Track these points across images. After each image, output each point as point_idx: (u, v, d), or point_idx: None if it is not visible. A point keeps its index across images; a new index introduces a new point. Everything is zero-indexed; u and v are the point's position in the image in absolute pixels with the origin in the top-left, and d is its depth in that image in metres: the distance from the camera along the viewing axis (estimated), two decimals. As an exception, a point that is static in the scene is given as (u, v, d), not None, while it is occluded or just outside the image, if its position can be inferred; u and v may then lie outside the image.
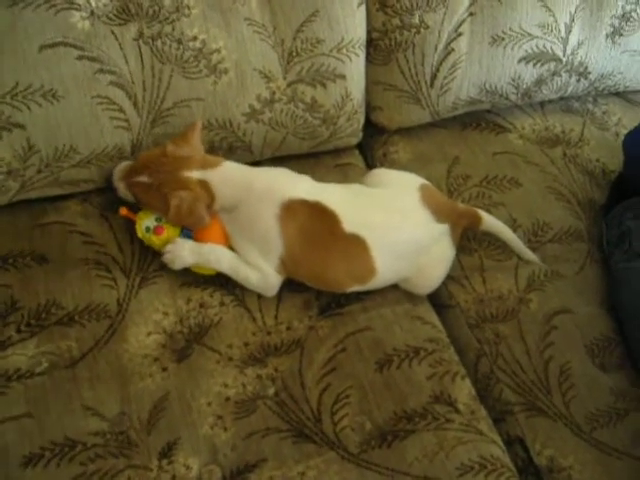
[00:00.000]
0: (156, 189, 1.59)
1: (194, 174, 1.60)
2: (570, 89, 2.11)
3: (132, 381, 1.53)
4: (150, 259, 1.71)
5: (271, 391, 1.55)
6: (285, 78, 1.76)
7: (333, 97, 1.82)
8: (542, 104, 2.18)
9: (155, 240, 1.66)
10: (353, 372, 1.57)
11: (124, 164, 1.70)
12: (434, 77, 1.89)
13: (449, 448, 1.49)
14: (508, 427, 1.60)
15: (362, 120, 1.92)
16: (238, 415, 1.51)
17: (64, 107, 1.63)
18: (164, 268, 1.68)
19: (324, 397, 1.54)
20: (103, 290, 1.64)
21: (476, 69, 1.87)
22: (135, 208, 1.70)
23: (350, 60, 1.80)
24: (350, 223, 1.60)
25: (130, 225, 1.72)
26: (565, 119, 2.18)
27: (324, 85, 1.79)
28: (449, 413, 1.54)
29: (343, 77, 1.80)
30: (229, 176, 1.63)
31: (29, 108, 1.57)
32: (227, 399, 1.53)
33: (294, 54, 1.74)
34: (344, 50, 1.77)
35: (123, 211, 1.70)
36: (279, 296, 1.69)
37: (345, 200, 1.64)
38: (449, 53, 1.86)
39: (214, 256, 1.64)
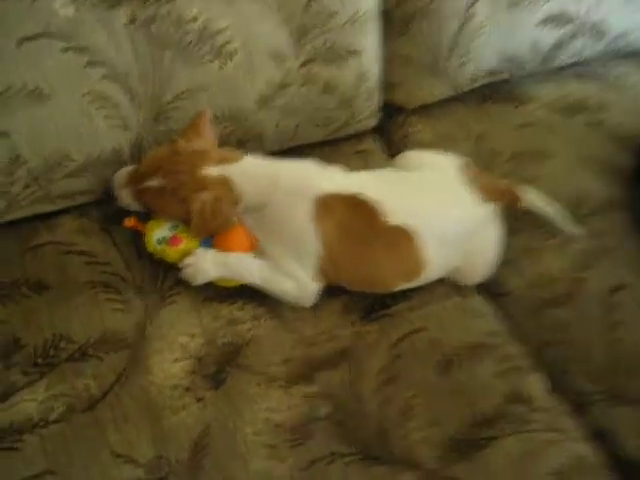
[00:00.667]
0: (172, 193, 1.38)
1: (213, 171, 1.40)
2: (587, 52, 1.97)
3: (164, 417, 1.32)
4: (163, 274, 1.49)
5: (324, 411, 1.36)
6: (297, 57, 1.56)
7: (348, 76, 1.64)
8: (557, 72, 2.03)
9: (171, 252, 1.45)
10: (413, 379, 1.40)
11: (125, 169, 1.48)
12: (453, 47, 1.73)
13: (536, 452, 1.32)
14: (590, 419, 1.43)
15: (380, 99, 1.74)
16: (293, 442, 1.31)
17: (52, 108, 1.41)
18: (181, 283, 1.47)
19: (386, 410, 1.36)
20: (116, 315, 1.43)
21: (496, 36, 1.75)
22: (142, 218, 1.49)
23: (364, 34, 1.62)
24: (394, 214, 1.42)
25: (136, 238, 1.51)
26: (582, 86, 2.03)
27: (338, 63, 1.61)
28: (527, 413, 1.38)
29: (358, 53, 1.62)
30: (253, 171, 1.43)
31: (12, 112, 1.37)
32: (277, 425, 1.33)
33: (305, 30, 1.55)
34: (358, 23, 1.59)
35: (129, 222, 1.48)
36: (316, 303, 1.49)
37: (384, 189, 1.45)
38: (468, 19, 1.70)
39: (242, 267, 1.44)
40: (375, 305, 1.49)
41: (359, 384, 1.39)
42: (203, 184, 1.38)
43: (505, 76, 1.88)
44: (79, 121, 1.44)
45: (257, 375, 1.39)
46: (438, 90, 1.77)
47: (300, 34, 1.55)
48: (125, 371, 1.36)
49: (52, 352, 1.36)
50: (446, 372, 1.40)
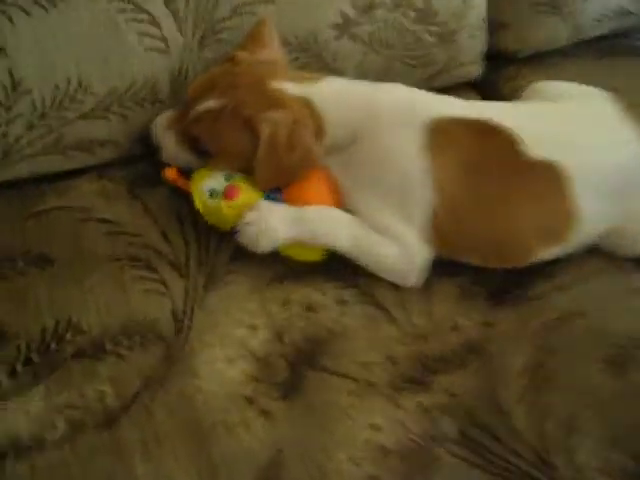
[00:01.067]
0: (232, 115, 1.01)
1: (288, 87, 1.02)
2: None
3: (215, 438, 0.91)
4: (216, 246, 1.09)
5: (451, 428, 0.93)
6: (386, -32, 1.20)
7: (452, 1, 1.26)
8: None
9: (227, 208, 1.05)
10: (575, 381, 1.01)
11: (166, 113, 1.11)
12: (576, -28, 1.35)
13: None
14: None
15: (485, 40, 1.35)
16: (408, 474, 0.88)
17: (65, 16, 1.05)
18: (239, 258, 1.07)
19: (543, 426, 0.92)
20: (147, 298, 1.02)
21: None
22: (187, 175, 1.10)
23: (470, -56, 1.26)
24: (537, 144, 1.02)
25: (176, 202, 1.12)
26: None
27: (440, -19, 1.24)
28: None
29: (463, -29, 1.25)
30: (340, 92, 1.06)
31: (10, 20, 1.05)
32: (384, 449, 0.91)
33: None
34: None
35: (170, 173, 1.09)
36: (424, 285, 1.07)
37: (521, 117, 1.07)
38: None
39: (325, 224, 1.03)
40: (506, 286, 1.10)
41: (498, 389, 0.97)
42: (275, 101, 1.01)
43: (631, 21, 1.48)
44: (102, 37, 1.07)
45: (348, 380, 0.97)
46: (555, 33, 1.40)
47: None
48: (158, 373, 0.94)
49: (53, 346, 0.96)
50: (619, 372, 1.00)
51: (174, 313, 1.00)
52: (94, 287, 1.01)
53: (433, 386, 0.97)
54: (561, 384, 0.97)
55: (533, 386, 0.96)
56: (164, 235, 1.09)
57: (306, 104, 1.03)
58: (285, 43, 1.16)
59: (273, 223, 1.01)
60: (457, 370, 0.99)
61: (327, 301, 1.05)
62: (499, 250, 1.05)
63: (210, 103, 1.02)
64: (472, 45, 1.32)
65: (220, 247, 1.09)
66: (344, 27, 1.19)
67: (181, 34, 1.11)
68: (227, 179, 1.06)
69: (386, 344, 1.01)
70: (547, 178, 1.02)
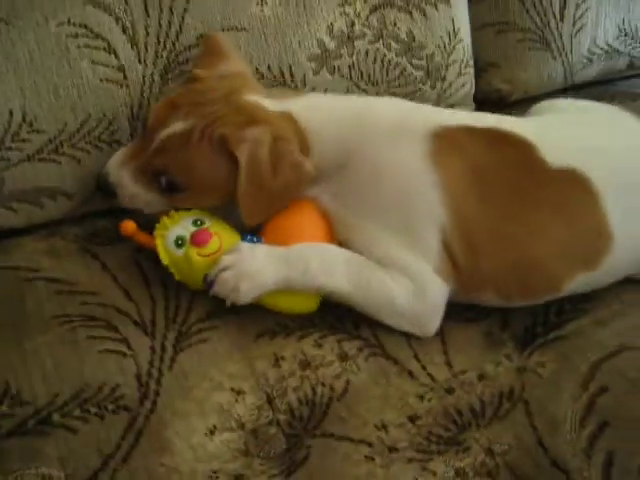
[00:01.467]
0: (202, 136, 0.86)
1: (264, 102, 0.90)
2: None
3: None
4: (188, 303, 0.91)
5: None
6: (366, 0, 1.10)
7: (437, 32, 1.17)
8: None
9: (196, 256, 0.87)
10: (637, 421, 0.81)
11: (121, 149, 0.95)
12: (564, 5, 1.27)
13: None
14: None
15: (473, 81, 1.25)
16: None
17: (8, 39, 0.92)
18: (219, 313, 0.89)
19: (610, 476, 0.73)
20: (105, 360, 0.83)
21: None
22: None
23: (451, -23, 1.17)
24: (556, 151, 0.89)
25: (144, 259, 0.95)
26: None
27: (423, 12, 1.14)
28: None
29: (446, 2, 1.16)
30: (326, 108, 0.93)
31: None
32: None
33: (373, -41, 1.10)
34: (441, -42, 1.16)
35: (128, 226, 0.93)
36: (441, 329, 0.91)
37: (533, 125, 0.94)
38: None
39: (319, 261, 0.86)
40: (534, 326, 0.94)
41: (546, 441, 0.77)
42: (251, 116, 0.87)
43: (622, 63, 1.39)
44: (51, 65, 0.94)
45: (363, 445, 0.78)
46: (547, 71, 1.31)
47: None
48: (120, 451, 0.74)
49: (-16, 421, 0.75)
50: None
51: (138, 377, 0.81)
52: (39, 350, 0.82)
53: (468, 444, 0.78)
54: (621, 425, 0.79)
55: (594, 434, 0.78)
56: (126, 293, 0.91)
57: (287, 120, 0.89)
58: (259, 73, 1.04)
59: (256, 265, 0.84)
60: (493, 423, 0.80)
61: (326, 356, 0.86)
62: (522, 280, 0.89)
63: (175, 126, 0.87)
64: (462, 82, 1.21)
65: (194, 303, 0.91)
66: (322, 58, 1.08)
67: (140, 64, 0.98)
68: (195, 224, 0.90)
69: (403, 400, 0.83)
70: (572, 189, 0.88)
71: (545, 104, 1.08)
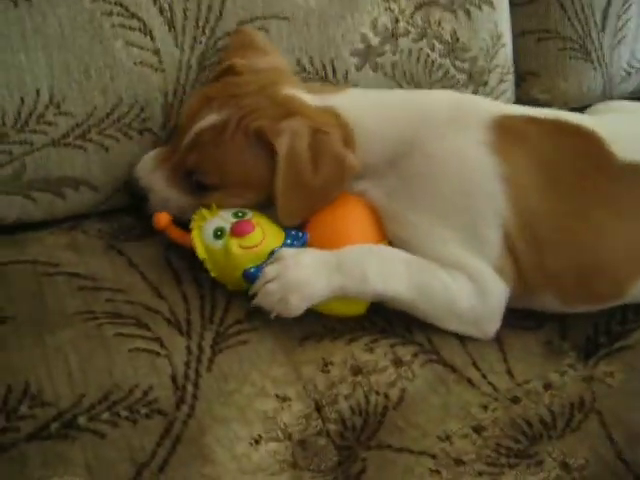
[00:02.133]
0: (238, 129, 0.81)
1: (305, 97, 0.85)
2: None
3: None
4: (226, 302, 0.83)
5: None
6: (410, -4, 1.05)
7: (481, 35, 1.12)
8: None
9: (237, 247, 0.80)
10: None
11: (152, 152, 0.89)
12: (605, 14, 1.23)
13: None
14: None
15: (514, 89, 1.20)
16: None
17: (38, 12, 0.88)
18: (261, 314, 0.80)
19: None
20: (137, 360, 0.75)
21: None
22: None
23: (496, -21, 1.13)
24: (628, 147, 0.83)
25: (176, 255, 0.87)
26: None
27: (467, 12, 1.10)
28: None
29: (490, 4, 1.12)
30: (372, 102, 0.88)
31: None
32: None
33: (419, -46, 1.06)
34: (487, -40, 1.11)
35: (161, 219, 0.85)
36: (499, 338, 0.84)
37: (601, 121, 0.88)
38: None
39: (375, 265, 0.79)
40: (596, 337, 0.87)
41: (638, 455, 0.72)
42: (290, 108, 0.82)
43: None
44: (83, 43, 0.88)
45: (426, 457, 0.70)
46: (587, 81, 1.25)
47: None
48: (156, 459, 0.65)
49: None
50: None
51: (174, 378, 0.73)
52: (63, 346, 0.73)
53: (540, 456, 0.71)
54: None
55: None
56: (156, 291, 0.83)
57: (329, 114, 0.84)
58: (299, 66, 0.98)
59: (305, 274, 0.77)
60: (566, 435, 0.73)
61: (379, 361, 0.79)
62: (585, 281, 0.82)
63: (208, 119, 0.81)
64: (502, 89, 1.15)
65: (231, 303, 0.83)
66: (366, 54, 1.02)
67: (177, 48, 0.92)
68: (236, 216, 0.82)
69: (465, 410, 0.75)
70: None
71: (600, 106, 1.04)
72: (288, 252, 0.79)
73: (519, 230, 0.80)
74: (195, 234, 0.82)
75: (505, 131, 0.82)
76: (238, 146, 0.80)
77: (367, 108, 0.86)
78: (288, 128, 0.79)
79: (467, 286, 0.79)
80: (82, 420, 0.67)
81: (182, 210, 0.86)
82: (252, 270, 0.79)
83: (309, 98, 0.84)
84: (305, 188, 0.80)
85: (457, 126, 0.83)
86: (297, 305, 0.76)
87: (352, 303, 0.81)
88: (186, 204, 0.86)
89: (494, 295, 0.80)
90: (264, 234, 0.81)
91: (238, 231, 0.80)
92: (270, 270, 0.77)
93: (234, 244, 0.80)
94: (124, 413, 0.68)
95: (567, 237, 0.81)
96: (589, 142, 0.83)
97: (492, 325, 0.81)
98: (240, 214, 0.83)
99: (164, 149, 0.88)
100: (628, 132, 0.87)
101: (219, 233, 0.81)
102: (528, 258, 0.80)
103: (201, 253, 0.81)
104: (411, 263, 0.80)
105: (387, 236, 0.84)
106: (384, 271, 0.79)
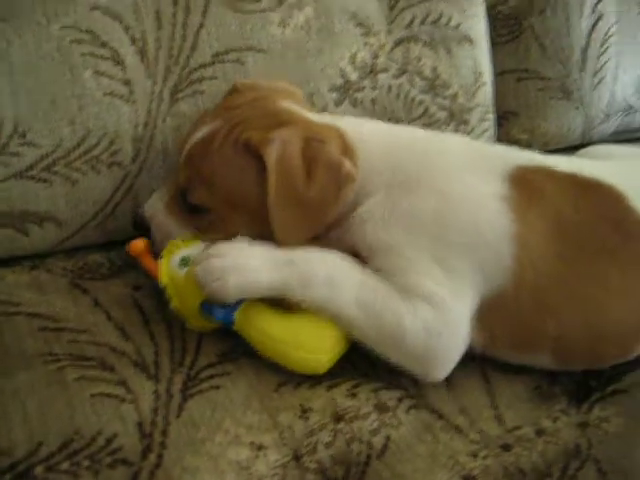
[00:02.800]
0: (226, 140, 0.77)
1: (302, 111, 0.81)
2: None
3: None
4: (196, 344, 0.78)
5: None
6: (390, 32, 1.04)
7: (462, 72, 1.10)
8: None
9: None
10: None
11: (155, 195, 0.85)
12: (585, 55, 1.23)
13: None
14: None
15: (495, 127, 1.18)
16: None
17: (4, 39, 0.82)
18: (234, 357, 0.77)
19: None
20: (100, 405, 0.69)
21: (630, 48, 1.31)
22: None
23: (476, 17, 1.12)
24: None
25: (143, 295, 0.83)
26: None
27: (448, 49, 1.08)
28: None
29: (471, 41, 1.11)
30: (379, 131, 0.85)
31: None
32: None
33: (400, -7, 1.05)
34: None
35: (137, 245, 0.81)
36: (481, 387, 0.79)
37: (615, 171, 0.84)
38: (597, 20, 1.24)
39: (327, 274, 0.74)
40: (588, 380, 0.82)
41: None
42: (284, 119, 0.78)
43: (638, 121, 1.36)
44: (51, 72, 0.84)
45: (414, 511, 0.63)
46: (568, 122, 1.24)
47: (392, -2, 1.04)
48: (119, 515, 0.59)
49: (-52, 476, 0.60)
50: None
51: (140, 425, 0.67)
52: (20, 390, 0.68)
53: (540, 509, 0.65)
54: None
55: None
56: (122, 332, 0.78)
57: (330, 129, 0.80)
58: (278, 100, 0.95)
59: (252, 261, 0.73)
60: (564, 483, 0.68)
61: (362, 407, 0.73)
62: (589, 344, 0.77)
63: (200, 132, 0.78)
64: (483, 129, 1.14)
65: (202, 346, 0.78)
66: (344, 89, 1.00)
67: (149, 79, 0.88)
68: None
69: (454, 459, 0.70)
70: None
71: (590, 150, 1.01)
72: (244, 238, 0.75)
73: (521, 291, 0.75)
74: (163, 261, 0.78)
75: (524, 186, 0.78)
76: (225, 158, 0.76)
77: (373, 137, 0.82)
78: (278, 137, 0.74)
79: (429, 321, 0.73)
80: (39, 470, 0.61)
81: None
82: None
83: (312, 116, 0.81)
84: (300, 201, 0.75)
85: (477, 173, 0.78)
86: (234, 288, 0.72)
87: (310, 349, 0.74)
88: (184, 232, 0.81)
89: (454, 339, 0.75)
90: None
91: None
92: (220, 247, 0.73)
93: None
94: (85, 463, 0.63)
95: (576, 301, 0.76)
96: (608, 199, 0.79)
97: (441, 369, 0.75)
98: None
99: (169, 183, 0.84)
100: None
101: (185, 261, 0.77)
102: (526, 320, 0.76)
103: (164, 278, 0.77)
104: (367, 281, 0.75)
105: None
106: (335, 280, 0.74)
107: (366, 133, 0.81)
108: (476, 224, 0.76)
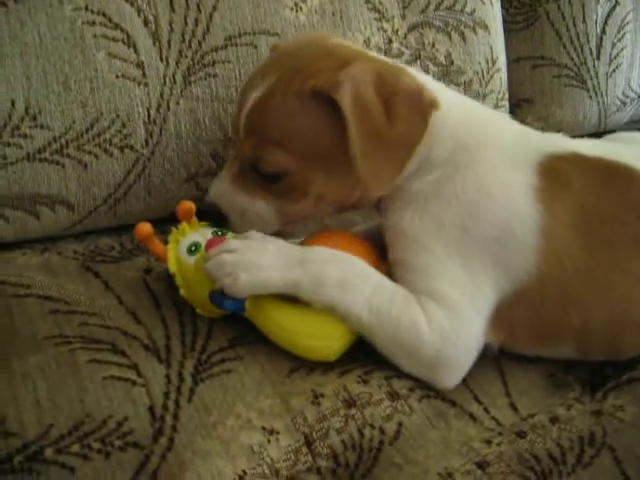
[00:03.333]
0: (287, 92, 0.72)
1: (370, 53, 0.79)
2: None
3: None
4: (208, 329, 0.77)
5: None
6: (404, 17, 1.03)
7: (476, 59, 1.09)
8: None
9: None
10: None
11: (217, 179, 0.80)
12: (600, 42, 1.21)
13: None
14: None
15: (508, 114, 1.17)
16: None
17: (17, 19, 0.82)
18: (245, 342, 0.76)
19: None
20: (111, 388, 0.69)
21: None
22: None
23: (490, 3, 1.11)
24: None
25: (154, 279, 0.83)
26: None
27: (462, 35, 1.07)
28: None
29: (485, 27, 1.09)
30: (443, 89, 0.81)
31: None
32: None
33: (412, -23, 1.03)
34: (481, -16, 1.09)
35: (143, 229, 0.78)
36: (495, 374, 0.78)
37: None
38: (613, 7, 1.22)
39: (339, 274, 0.72)
40: (604, 368, 0.82)
41: None
42: (344, 58, 0.73)
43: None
44: (63, 52, 0.84)
45: (427, 497, 0.63)
46: (583, 110, 1.23)
47: (406, -19, 1.03)
48: (130, 498, 0.59)
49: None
50: None
51: (151, 409, 0.66)
52: (31, 372, 0.67)
53: (553, 498, 0.64)
54: None
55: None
56: (133, 315, 0.78)
57: (399, 69, 0.76)
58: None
59: (265, 259, 0.71)
60: (577, 471, 0.67)
61: (375, 394, 0.73)
62: (613, 335, 0.76)
63: (257, 92, 0.73)
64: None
65: (214, 330, 0.77)
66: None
67: (162, 61, 0.87)
68: (215, 234, 0.77)
69: (468, 446, 0.69)
70: None
71: (614, 136, 0.99)
72: (257, 234, 0.74)
73: (545, 285, 0.74)
74: (170, 247, 0.77)
75: (553, 175, 0.75)
76: (293, 112, 0.71)
77: (443, 92, 0.77)
78: (347, 77, 0.69)
79: (444, 329, 0.72)
80: (49, 452, 0.61)
81: (263, 218, 0.78)
82: (219, 291, 0.73)
83: (370, 52, 0.79)
84: (384, 141, 0.70)
85: (512, 161, 0.76)
86: (245, 285, 0.70)
87: (321, 337, 0.74)
88: (264, 208, 0.78)
89: (467, 348, 0.74)
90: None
91: (210, 247, 0.74)
92: (233, 242, 0.72)
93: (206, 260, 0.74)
94: (96, 445, 0.62)
95: (601, 291, 0.75)
96: (634, 184, 0.77)
97: (453, 377, 0.74)
98: (220, 233, 0.78)
99: (229, 163, 0.80)
100: None
101: (193, 248, 0.76)
102: (550, 314, 0.75)
103: (172, 266, 0.76)
104: (383, 286, 0.73)
105: (391, 257, 0.78)
106: (347, 282, 0.72)
107: (441, 92, 0.77)
108: (505, 216, 0.74)
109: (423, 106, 0.71)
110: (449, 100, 0.77)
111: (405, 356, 0.74)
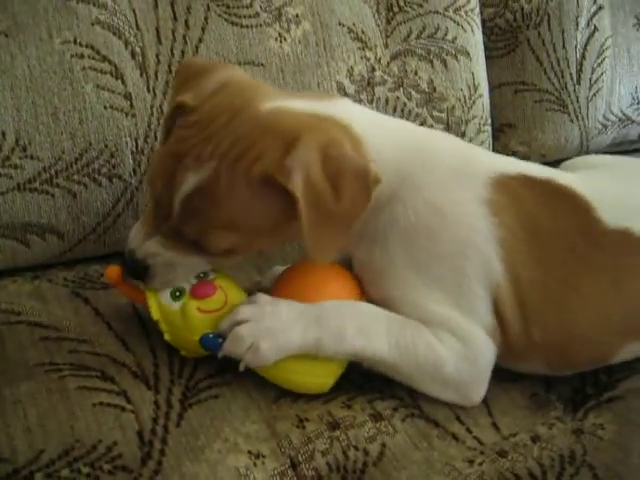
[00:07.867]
0: (231, 180, 0.68)
1: (290, 104, 0.74)
2: None
3: None
4: (194, 361, 0.78)
5: None
6: (387, 45, 1.05)
7: (458, 85, 1.12)
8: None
9: (195, 311, 0.74)
10: None
11: (139, 222, 0.77)
12: (580, 67, 1.24)
13: None
14: None
15: (491, 139, 1.19)
16: None
17: (7, 53, 0.84)
18: (233, 370, 0.75)
19: None
20: (101, 414, 0.70)
21: (625, 61, 1.33)
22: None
23: (472, 31, 1.13)
24: (613, 212, 0.80)
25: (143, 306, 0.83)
26: None
27: (444, 62, 1.10)
28: None
29: (467, 54, 1.12)
30: (377, 119, 0.82)
31: None
32: None
33: (395, 8, 1.06)
34: (462, 13, 1.12)
35: (112, 272, 0.78)
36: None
37: (587, 181, 0.85)
38: (592, 33, 1.25)
39: (356, 322, 0.74)
40: (584, 387, 0.84)
41: None
42: (286, 131, 0.70)
43: (634, 133, 1.37)
44: (52, 85, 0.85)
45: (411, 518, 0.64)
46: (565, 134, 1.25)
47: (389, 12, 1.06)
48: (119, 522, 0.60)
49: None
50: None
51: (140, 434, 0.68)
52: (22, 399, 0.69)
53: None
54: None
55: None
56: (123, 343, 0.79)
57: (331, 123, 0.74)
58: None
59: (281, 321, 0.71)
60: (560, 489, 0.69)
61: (357, 416, 0.74)
62: (569, 350, 0.79)
63: (190, 181, 0.69)
64: (480, 140, 1.15)
65: (200, 361, 0.78)
66: (343, 101, 1.01)
67: (149, 92, 0.89)
68: (198, 277, 0.77)
69: (450, 466, 0.70)
70: (627, 253, 0.79)
71: (579, 160, 1.02)
72: (264, 297, 0.74)
73: (508, 297, 0.76)
74: (150, 294, 0.76)
75: (504, 191, 0.78)
76: (243, 199, 0.69)
77: (377, 127, 0.78)
78: (296, 162, 0.67)
79: (455, 348, 0.74)
80: (39, 477, 0.62)
81: (194, 270, 0.76)
82: (211, 336, 0.73)
83: (297, 105, 0.74)
84: (332, 218, 0.70)
85: (461, 180, 0.78)
86: (267, 354, 0.71)
87: (320, 370, 0.75)
88: (197, 263, 0.75)
89: (484, 358, 0.76)
90: (226, 298, 0.75)
91: (198, 293, 0.75)
92: (244, 310, 0.72)
93: (193, 306, 0.74)
94: (85, 470, 0.63)
95: (554, 307, 0.77)
96: (578, 208, 0.80)
97: (478, 391, 0.77)
98: (202, 274, 0.77)
99: (147, 215, 0.75)
100: (611, 195, 0.83)
101: (178, 294, 0.75)
102: (515, 325, 0.77)
103: (155, 313, 0.75)
104: (393, 321, 0.75)
105: (368, 295, 0.79)
106: (364, 328, 0.73)
107: (370, 128, 0.76)
108: (464, 232, 0.76)
109: (368, 183, 0.71)
110: (382, 132, 0.78)
111: (430, 381, 0.76)
